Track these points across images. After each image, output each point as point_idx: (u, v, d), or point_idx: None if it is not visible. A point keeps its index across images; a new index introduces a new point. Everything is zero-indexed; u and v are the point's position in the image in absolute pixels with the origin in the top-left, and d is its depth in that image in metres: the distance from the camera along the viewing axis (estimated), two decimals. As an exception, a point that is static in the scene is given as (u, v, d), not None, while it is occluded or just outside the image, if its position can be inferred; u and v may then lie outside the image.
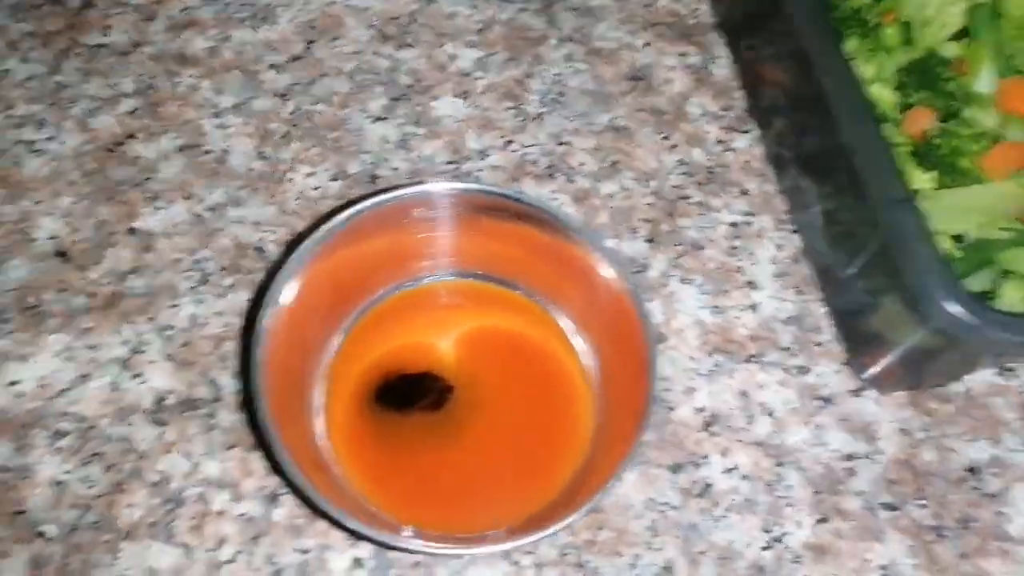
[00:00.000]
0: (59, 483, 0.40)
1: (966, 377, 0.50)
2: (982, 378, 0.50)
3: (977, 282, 0.51)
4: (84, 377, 0.43)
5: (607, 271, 0.41)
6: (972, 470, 0.48)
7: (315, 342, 0.42)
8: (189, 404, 0.43)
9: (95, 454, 0.41)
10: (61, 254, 0.46)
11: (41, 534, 0.39)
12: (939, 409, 0.49)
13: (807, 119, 0.52)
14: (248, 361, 0.36)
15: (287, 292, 0.38)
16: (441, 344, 0.45)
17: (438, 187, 0.41)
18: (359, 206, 0.39)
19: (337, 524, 0.40)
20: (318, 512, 0.40)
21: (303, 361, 0.41)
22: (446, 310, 0.46)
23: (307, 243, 0.38)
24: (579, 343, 0.45)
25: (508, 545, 0.36)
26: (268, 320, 0.37)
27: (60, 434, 0.41)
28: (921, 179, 0.49)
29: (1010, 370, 0.51)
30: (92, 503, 0.40)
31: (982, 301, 0.41)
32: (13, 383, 0.42)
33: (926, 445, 0.48)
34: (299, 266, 0.38)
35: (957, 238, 0.51)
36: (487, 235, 0.44)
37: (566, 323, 0.46)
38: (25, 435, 0.41)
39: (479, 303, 0.46)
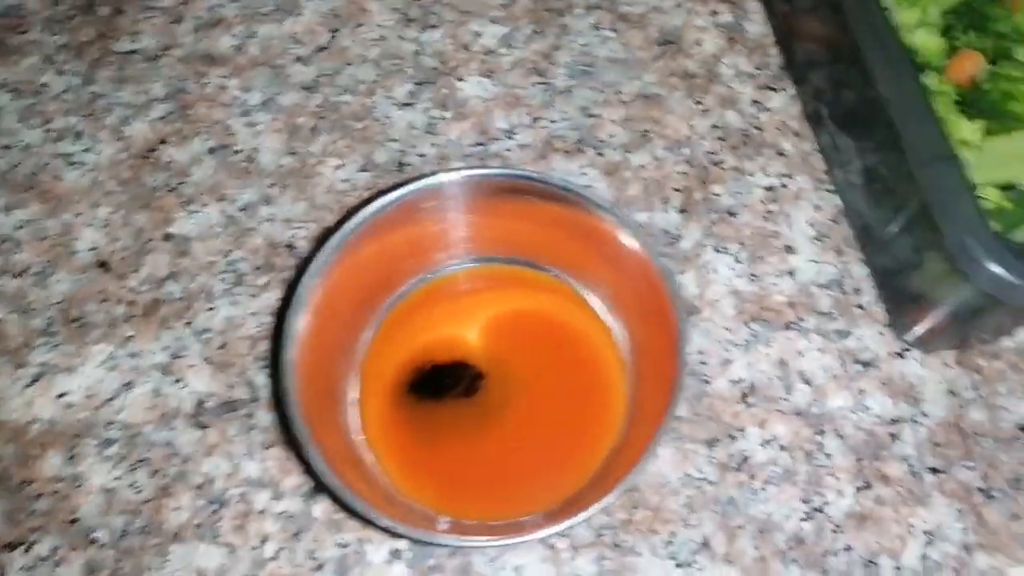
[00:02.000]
0: (109, 490, 0.42)
1: (1017, 332, 0.48)
2: (1033, 332, 0.48)
3: (1028, 233, 0.49)
4: (128, 385, 0.45)
5: (634, 245, 0.41)
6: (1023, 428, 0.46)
7: (346, 340, 0.43)
8: (229, 405, 0.44)
9: (141, 460, 0.43)
10: (102, 264, 0.48)
11: (94, 540, 0.41)
12: (988, 367, 0.48)
13: (844, 72, 0.49)
14: (279, 362, 0.37)
15: (313, 294, 0.38)
16: (468, 333, 0.45)
17: (447, 177, 0.41)
18: (363, 213, 0.39)
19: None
20: (350, 510, 0.42)
21: (335, 358, 0.42)
22: (469, 297, 0.46)
23: (327, 246, 0.38)
24: (610, 320, 0.45)
25: (540, 534, 0.37)
26: (297, 322, 0.38)
27: (108, 442, 0.43)
28: (966, 129, 0.47)
29: (1068, 323, 0.49)
30: (140, 508, 0.42)
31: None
32: (62, 395, 0.44)
33: (975, 405, 0.47)
34: (324, 267, 0.39)
35: (1008, 188, 0.49)
36: (507, 217, 0.44)
37: (595, 301, 0.45)
38: (75, 445, 0.43)
39: (503, 286, 0.46)
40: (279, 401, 0.45)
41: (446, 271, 0.46)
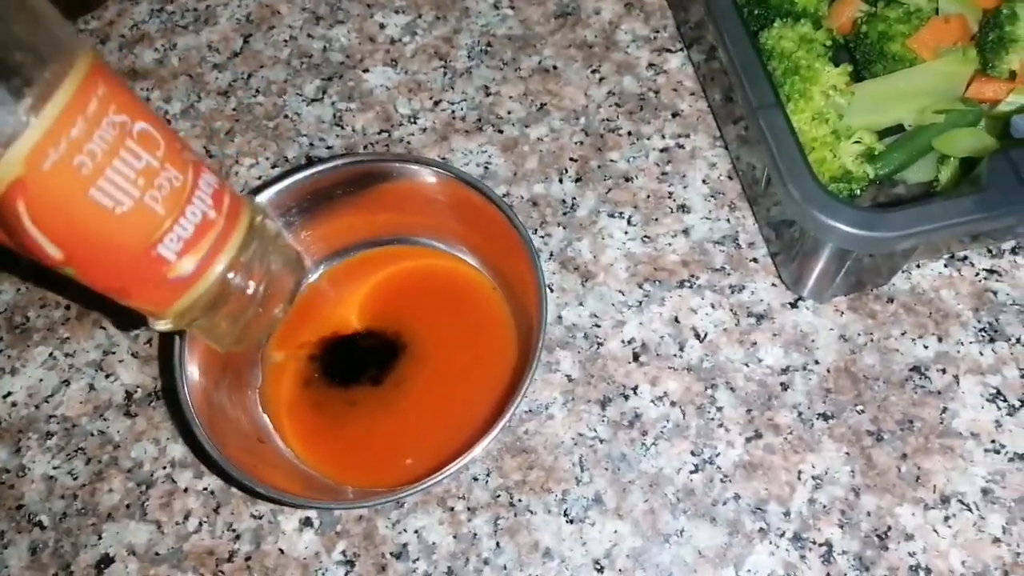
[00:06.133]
0: (50, 477, 0.47)
1: (913, 272, 0.49)
2: (930, 271, 0.49)
3: (919, 172, 0.49)
4: (65, 382, 0.49)
5: (477, 196, 0.44)
6: (916, 369, 0.47)
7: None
8: (155, 395, 0.49)
9: (78, 449, 0.47)
10: (40, 273, 0.52)
11: (38, 523, 0.46)
12: (882, 310, 0.48)
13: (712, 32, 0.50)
14: (173, 368, 0.41)
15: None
16: (359, 310, 0.49)
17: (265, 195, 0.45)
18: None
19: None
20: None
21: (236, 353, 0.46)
22: (354, 282, 0.50)
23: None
24: (485, 271, 0.49)
25: (392, 497, 0.40)
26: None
27: (49, 435, 0.48)
28: (832, 76, 0.47)
29: (962, 259, 0.49)
30: (78, 492, 0.46)
31: (848, 206, 0.39)
32: (7, 395, 0.49)
33: (867, 349, 0.48)
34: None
35: (895, 129, 0.49)
36: (348, 209, 0.47)
37: (466, 255, 0.49)
38: (20, 439, 0.48)
39: (380, 264, 0.50)
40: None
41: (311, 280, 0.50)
